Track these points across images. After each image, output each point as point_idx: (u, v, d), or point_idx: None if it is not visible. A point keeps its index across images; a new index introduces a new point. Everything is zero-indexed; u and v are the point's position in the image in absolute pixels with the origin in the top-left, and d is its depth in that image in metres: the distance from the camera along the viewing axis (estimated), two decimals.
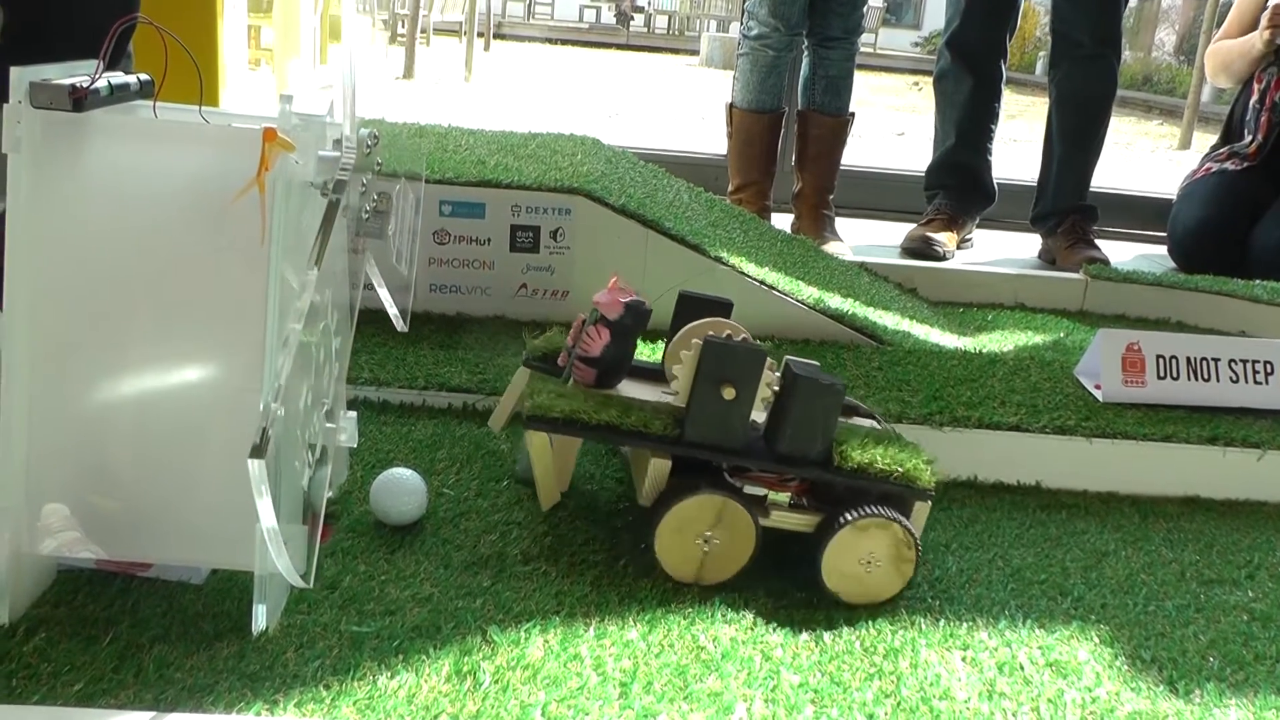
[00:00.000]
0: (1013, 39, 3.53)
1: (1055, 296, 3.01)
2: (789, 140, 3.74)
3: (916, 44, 20.74)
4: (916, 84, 13.40)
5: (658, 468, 1.42)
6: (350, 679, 1.14)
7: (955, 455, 1.81)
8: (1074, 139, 3.48)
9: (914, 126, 8.47)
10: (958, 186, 3.57)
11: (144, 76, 1.25)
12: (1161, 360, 2.02)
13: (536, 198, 2.25)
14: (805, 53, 3.45)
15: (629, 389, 1.54)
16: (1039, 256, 3.60)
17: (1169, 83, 14.82)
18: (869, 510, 1.40)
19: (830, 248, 3.14)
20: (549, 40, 16.71)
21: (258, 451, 1.02)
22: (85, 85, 1.12)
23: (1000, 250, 3.64)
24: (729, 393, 1.38)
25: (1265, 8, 3.56)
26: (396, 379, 1.88)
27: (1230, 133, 3.75)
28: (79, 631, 1.17)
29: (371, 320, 1.49)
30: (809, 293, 2.34)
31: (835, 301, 2.36)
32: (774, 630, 1.33)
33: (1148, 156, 8.60)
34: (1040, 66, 14.21)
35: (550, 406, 1.41)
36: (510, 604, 1.31)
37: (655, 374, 1.61)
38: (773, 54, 3.36)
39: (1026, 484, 1.85)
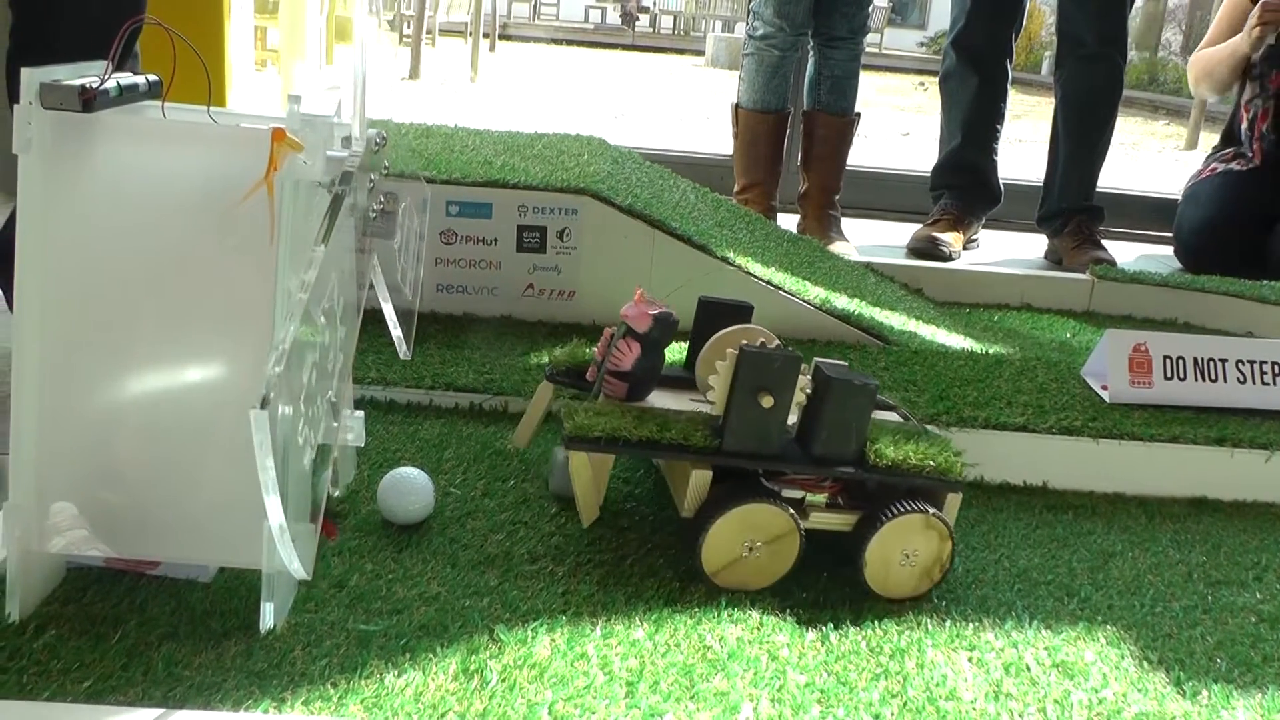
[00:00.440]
0: (1018, 39, 3.54)
1: (1061, 297, 3.01)
2: (794, 140, 3.74)
3: (922, 44, 20.73)
4: (922, 84, 13.40)
5: (699, 479, 1.42)
6: (358, 677, 1.14)
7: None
8: (1080, 139, 3.48)
9: (919, 127, 8.47)
10: (964, 187, 3.57)
11: (152, 77, 1.25)
12: (1169, 361, 2.01)
13: (543, 198, 2.25)
14: (810, 53, 3.45)
15: (657, 399, 1.55)
16: (1045, 257, 3.60)
17: (1175, 83, 14.80)
18: (910, 506, 1.42)
19: (836, 248, 3.14)
20: (554, 41, 16.72)
21: (263, 403, 1.00)
22: (95, 86, 1.12)
23: (1006, 250, 3.64)
24: (767, 401, 1.38)
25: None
26: (403, 379, 1.88)
27: (1233, 134, 3.74)
28: (88, 629, 1.18)
29: (379, 320, 1.50)
30: (815, 293, 2.34)
31: (841, 302, 2.36)
32: (780, 630, 1.33)
33: (1154, 157, 8.59)
34: (1046, 66, 14.20)
35: (590, 426, 1.41)
36: (517, 603, 1.32)
37: (680, 381, 1.61)
38: (778, 54, 3.36)
39: (1033, 484, 1.85)
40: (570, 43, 16.82)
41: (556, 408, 1.62)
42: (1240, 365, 2.03)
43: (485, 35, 11.94)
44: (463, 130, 2.84)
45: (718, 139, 4.25)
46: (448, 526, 1.48)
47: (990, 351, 2.31)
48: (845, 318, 2.31)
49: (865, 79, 3.50)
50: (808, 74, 3.47)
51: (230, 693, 1.10)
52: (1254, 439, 1.89)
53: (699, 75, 13.78)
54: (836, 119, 3.42)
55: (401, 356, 1.49)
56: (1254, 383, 2.02)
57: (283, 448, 1.11)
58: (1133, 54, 6.93)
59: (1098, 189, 3.55)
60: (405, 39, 10.29)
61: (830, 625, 1.35)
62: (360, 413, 1.50)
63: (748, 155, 3.48)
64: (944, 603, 1.44)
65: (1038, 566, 1.57)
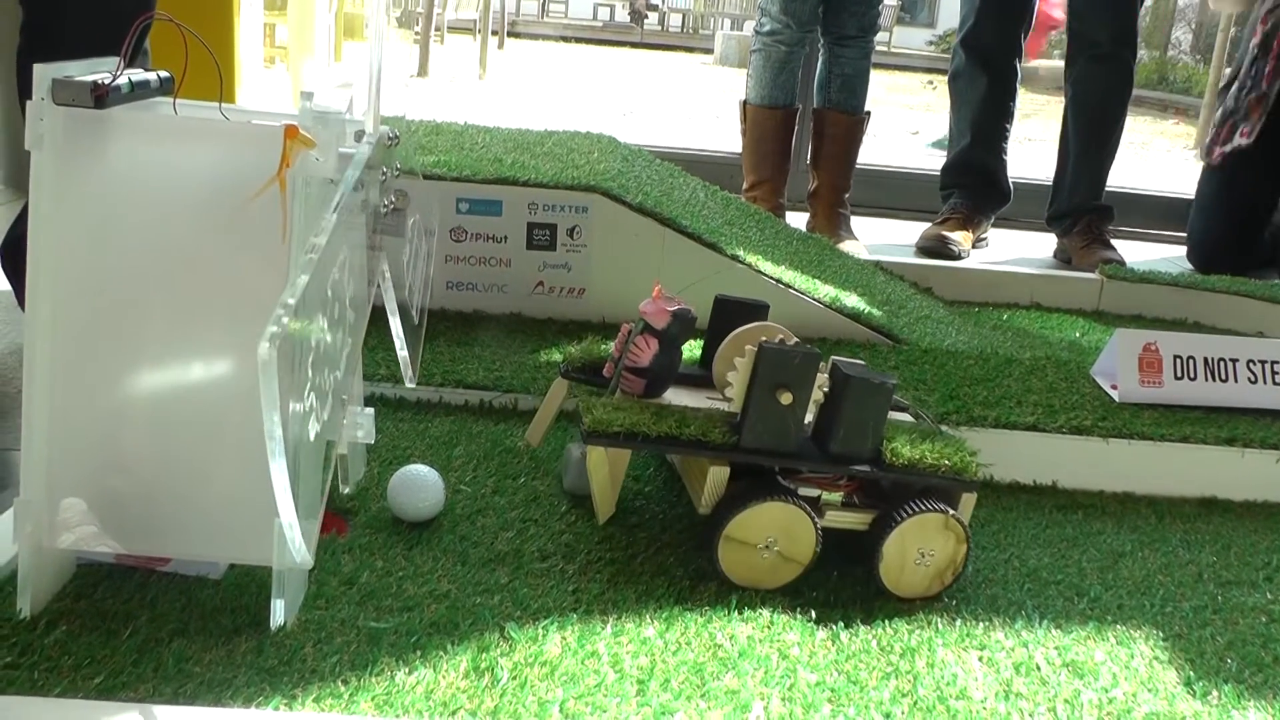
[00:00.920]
0: (1027, 38, 3.52)
1: (1071, 296, 3.01)
2: (804, 139, 3.74)
3: (931, 42, 20.68)
4: (931, 83, 13.36)
5: (717, 476, 1.42)
6: (368, 674, 1.15)
7: None
8: (1090, 138, 3.47)
9: (929, 125, 8.45)
10: (973, 185, 3.56)
11: (164, 74, 1.26)
12: (1179, 360, 2.01)
13: (553, 195, 2.25)
14: (821, 51, 3.45)
15: (674, 396, 1.55)
16: (1054, 256, 3.59)
17: (1185, 82, 14.76)
18: (926, 505, 1.42)
19: (846, 246, 3.14)
20: (563, 38, 16.71)
21: (270, 340, 0.98)
22: (107, 82, 1.12)
23: (1016, 250, 3.63)
24: (786, 398, 1.38)
25: None
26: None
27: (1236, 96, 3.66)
28: (99, 625, 1.18)
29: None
30: (825, 291, 2.34)
31: (851, 300, 2.36)
32: (791, 629, 1.32)
33: (1163, 156, 8.57)
34: None
35: (610, 421, 1.41)
36: (528, 601, 1.32)
37: (697, 379, 1.61)
38: (785, 49, 3.36)
39: (1043, 484, 1.85)
40: (579, 40, 16.82)
41: (571, 405, 1.62)
42: (1251, 365, 2.02)
43: (494, 33, 11.95)
44: (472, 128, 2.84)
45: (727, 137, 4.24)
46: (458, 524, 1.48)
47: (1000, 351, 2.31)
48: (855, 316, 2.30)
49: (875, 77, 3.49)
50: (818, 72, 3.46)
51: (241, 689, 1.10)
52: (1265, 439, 1.88)
53: (708, 73, 13.77)
54: (846, 117, 3.42)
55: (406, 383, 1.49)
56: (1265, 383, 2.01)
57: (294, 447, 1.11)
58: (1142, 53, 6.92)
59: (1107, 188, 3.54)
60: (417, 36, 10.30)
61: (841, 624, 1.35)
62: (370, 409, 1.50)
63: (756, 152, 3.48)
64: (954, 602, 1.44)
65: (1048, 566, 1.57)
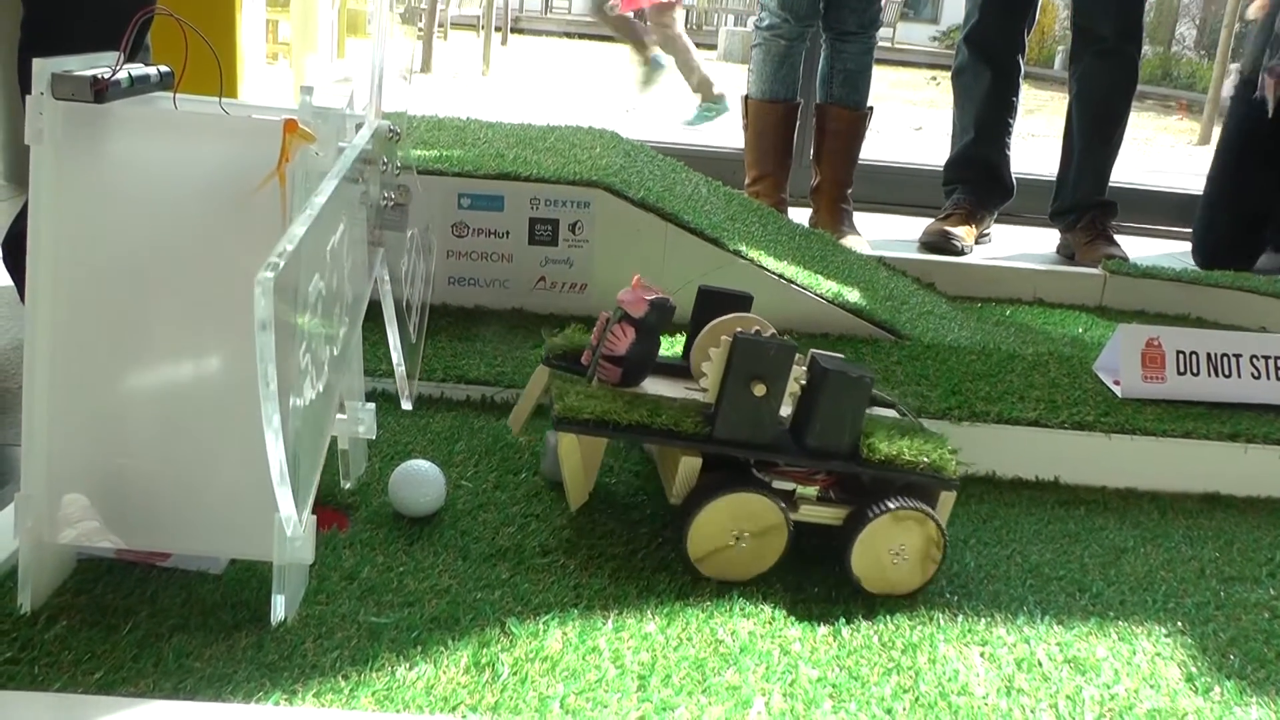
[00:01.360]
0: (1031, 33, 3.52)
1: (1074, 292, 3.00)
2: (807, 134, 3.74)
3: (935, 38, 20.65)
4: (934, 78, 13.35)
5: (688, 466, 1.41)
6: (369, 670, 1.14)
7: (974, 451, 1.81)
8: (1094, 134, 3.46)
9: (932, 121, 8.44)
10: (976, 181, 3.56)
11: (164, 68, 1.25)
12: (1182, 356, 2.00)
13: (555, 190, 2.25)
14: (823, 46, 3.45)
15: (652, 386, 1.54)
16: (1058, 252, 3.59)
17: (1189, 77, 14.74)
18: (901, 502, 1.40)
19: (848, 242, 3.14)
20: (566, 34, 16.69)
21: (270, 269, 0.97)
22: (106, 77, 1.12)
23: (1019, 245, 3.62)
24: (760, 389, 1.38)
25: None
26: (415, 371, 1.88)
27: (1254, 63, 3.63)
28: (99, 620, 1.18)
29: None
30: (828, 287, 2.34)
31: (854, 296, 2.35)
32: (792, 624, 1.32)
33: (1167, 152, 8.55)
34: (1059, 61, 14.14)
35: (581, 408, 1.41)
36: (529, 596, 1.31)
37: (677, 370, 1.60)
38: (784, 44, 3.36)
39: (1045, 480, 1.85)
40: (582, 36, 16.78)
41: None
42: (1254, 360, 2.02)
43: (497, 28, 11.94)
44: (475, 123, 2.84)
45: (730, 133, 4.24)
46: (459, 519, 1.48)
47: (1002, 346, 2.31)
48: (858, 312, 2.30)
49: (878, 73, 3.49)
50: (820, 68, 3.46)
51: (241, 684, 1.10)
52: (1268, 435, 1.88)
53: (711, 69, 13.74)
54: (849, 113, 3.42)
55: (403, 404, 1.49)
56: (1268, 378, 2.01)
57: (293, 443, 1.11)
58: (1146, 48, 6.89)
59: (1111, 184, 3.53)
60: (418, 32, 10.29)
61: (842, 620, 1.35)
62: (371, 405, 1.50)
63: (758, 147, 3.48)
64: (956, 598, 1.44)
65: (1050, 562, 1.56)
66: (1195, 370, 2.00)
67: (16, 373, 1.92)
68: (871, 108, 3.48)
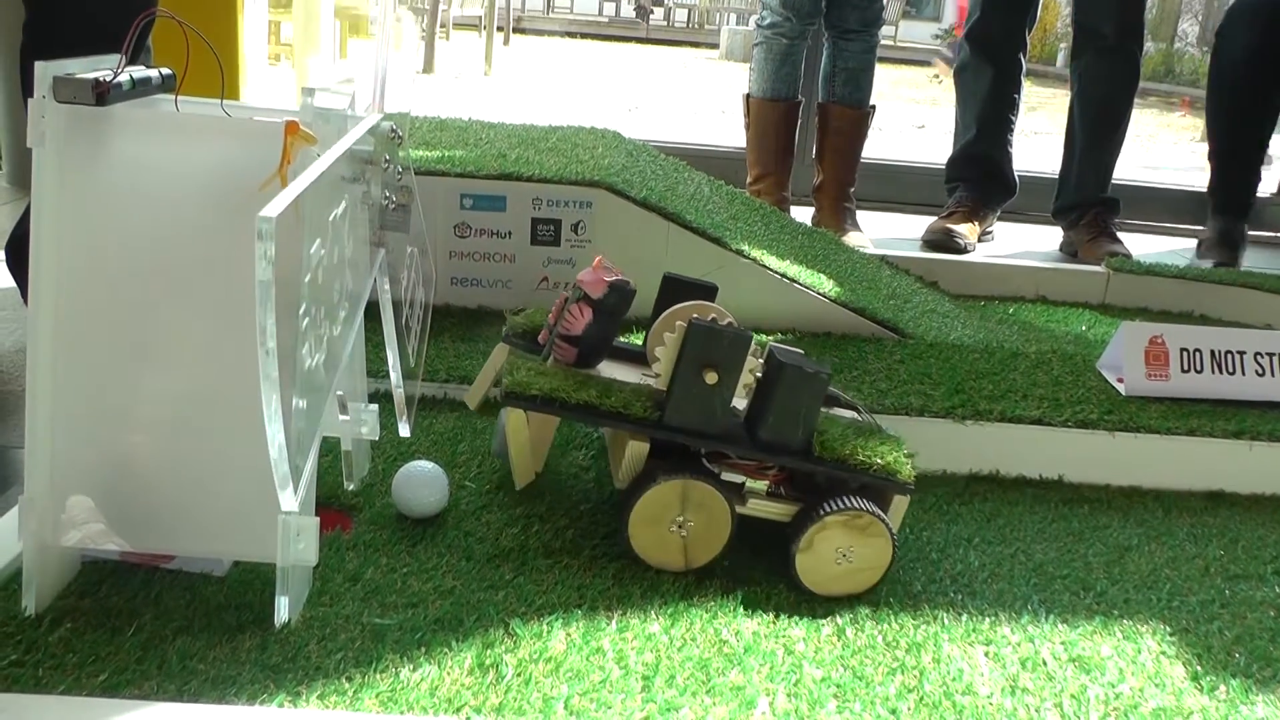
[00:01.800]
0: (1033, 31, 3.52)
1: (1077, 289, 3.00)
2: (809, 133, 3.73)
3: (937, 36, 20.64)
4: (936, 76, 13.35)
5: (635, 450, 1.40)
6: (373, 671, 1.14)
7: (977, 449, 1.81)
8: (1096, 131, 3.46)
9: (934, 119, 8.44)
10: (979, 179, 3.56)
11: (165, 71, 1.25)
12: (1185, 353, 2.00)
13: (557, 191, 2.25)
14: (825, 45, 3.44)
15: (609, 370, 1.53)
16: (1060, 249, 3.58)
17: (1192, 74, 14.71)
18: (850, 503, 1.39)
19: (851, 240, 3.13)
20: (568, 34, 16.69)
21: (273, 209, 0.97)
22: (108, 80, 1.12)
23: (1022, 243, 3.62)
24: (711, 377, 1.36)
25: None
26: (418, 373, 1.88)
27: None
28: (103, 623, 1.18)
29: (395, 314, 1.49)
30: (830, 286, 2.34)
31: (856, 294, 2.35)
32: (796, 624, 1.32)
33: (1170, 148, 8.54)
34: (1061, 58, 14.12)
35: (529, 384, 1.40)
36: (532, 597, 1.31)
37: (637, 356, 1.60)
38: (786, 42, 3.36)
39: (1049, 478, 1.85)
40: (584, 36, 16.79)
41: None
42: (1258, 358, 2.02)
43: (499, 29, 11.94)
44: (477, 123, 2.84)
45: (732, 132, 4.24)
46: (463, 520, 1.48)
47: (1005, 344, 2.30)
48: (860, 311, 2.30)
49: (880, 71, 3.48)
50: (823, 66, 3.46)
51: (245, 686, 1.10)
52: (1272, 432, 1.87)
53: (713, 68, 13.74)
54: (851, 111, 3.41)
55: (401, 430, 1.49)
56: (1272, 375, 2.01)
57: (296, 440, 1.11)
58: (1149, 45, 6.88)
59: (1114, 181, 3.53)
60: (421, 33, 10.29)
61: (846, 619, 1.35)
62: (374, 406, 1.50)
63: (759, 145, 3.48)
64: (960, 597, 1.44)
65: (1054, 560, 1.56)
66: (1199, 368, 2.00)
67: (20, 375, 1.92)
68: (874, 106, 3.47)
